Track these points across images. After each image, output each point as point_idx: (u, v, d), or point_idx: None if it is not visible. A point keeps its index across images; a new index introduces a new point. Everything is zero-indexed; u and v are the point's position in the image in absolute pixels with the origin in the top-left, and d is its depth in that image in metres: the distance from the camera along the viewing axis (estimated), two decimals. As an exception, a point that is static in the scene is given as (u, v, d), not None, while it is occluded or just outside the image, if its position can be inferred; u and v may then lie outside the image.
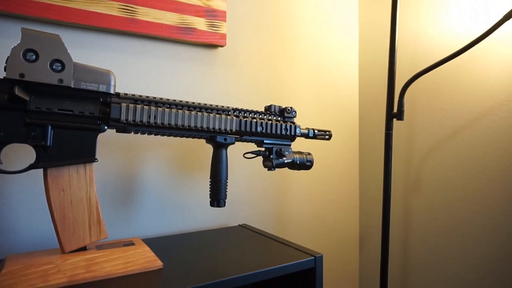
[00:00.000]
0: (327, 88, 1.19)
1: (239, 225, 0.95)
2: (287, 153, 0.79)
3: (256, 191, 1.03)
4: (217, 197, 0.70)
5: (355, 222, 1.24)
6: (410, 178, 1.06)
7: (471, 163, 0.90)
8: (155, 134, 0.65)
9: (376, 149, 1.19)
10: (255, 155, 0.78)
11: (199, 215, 0.92)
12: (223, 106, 0.70)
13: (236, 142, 0.74)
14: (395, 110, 0.95)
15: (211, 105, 0.69)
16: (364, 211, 1.23)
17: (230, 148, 0.92)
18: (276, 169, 0.81)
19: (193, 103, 0.67)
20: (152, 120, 0.61)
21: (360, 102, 1.26)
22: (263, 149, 0.80)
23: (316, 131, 0.85)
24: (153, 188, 0.86)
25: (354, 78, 1.26)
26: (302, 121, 1.10)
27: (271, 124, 0.76)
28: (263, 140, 0.77)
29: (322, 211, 1.17)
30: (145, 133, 0.64)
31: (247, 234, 0.85)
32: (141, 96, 0.62)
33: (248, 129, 0.72)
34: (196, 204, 0.92)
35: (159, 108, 0.62)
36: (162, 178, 0.87)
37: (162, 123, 0.62)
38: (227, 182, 0.72)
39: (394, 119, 0.99)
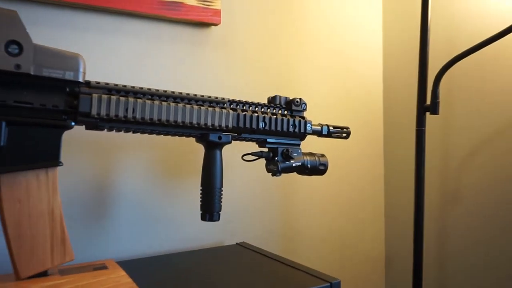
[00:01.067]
0: (345, 77, 1.19)
1: (236, 243, 0.95)
2: (295, 154, 0.79)
3: (257, 201, 1.03)
4: (210, 209, 0.70)
5: (380, 239, 1.24)
6: (448, 186, 1.05)
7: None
8: (134, 132, 0.65)
9: (405, 150, 1.19)
10: (256, 157, 0.78)
11: (188, 231, 0.92)
12: (217, 98, 0.70)
13: (233, 141, 0.74)
14: (428, 102, 0.95)
15: (202, 96, 0.69)
16: (391, 226, 1.22)
17: (225, 148, 0.92)
18: (282, 174, 0.81)
19: (180, 93, 0.67)
20: (130, 115, 0.61)
21: (385, 92, 1.25)
22: (266, 149, 0.79)
23: (331, 127, 0.85)
24: (132, 199, 0.86)
25: (377, 63, 1.26)
26: (314, 116, 1.10)
27: (276, 119, 0.76)
28: (266, 139, 0.77)
29: (339, 226, 1.17)
30: (121, 131, 0.64)
31: (247, 255, 0.85)
32: (116, 85, 0.62)
33: (247, 125, 0.72)
34: (184, 217, 0.92)
35: (138, 100, 0.62)
36: (142, 186, 0.87)
37: (143, 118, 0.62)
38: (222, 191, 0.72)
39: (427, 113, 0.98)
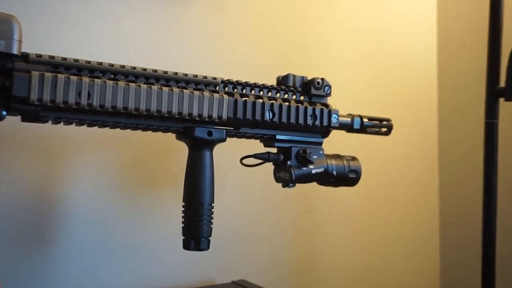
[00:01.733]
0: (384, 51, 1.19)
1: (233, 281, 0.95)
2: (315, 157, 0.79)
3: (262, 222, 1.03)
4: (196, 233, 0.70)
5: (434, 273, 1.23)
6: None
7: None
8: (90, 125, 0.64)
9: (469, 150, 1.19)
10: (260, 161, 0.78)
11: (167, 265, 0.92)
12: (206, 77, 0.71)
13: (228, 139, 0.73)
14: (501, 84, 0.94)
15: (186, 75, 0.69)
16: (448, 254, 1.22)
17: (218, 148, 0.91)
18: (298, 184, 0.81)
19: (155, 71, 0.67)
20: (84, 101, 0.60)
21: (440, 72, 1.25)
22: (274, 150, 0.79)
23: (365, 119, 0.85)
24: (88, 219, 0.86)
25: (430, 34, 1.26)
26: (342, 104, 1.09)
27: (288, 107, 0.76)
28: (274, 136, 0.77)
29: (378, 257, 1.16)
30: (72, 123, 0.63)
31: (247, 298, 0.85)
32: (65, 59, 0.61)
33: (248, 115, 0.73)
34: (161, 245, 0.92)
35: (96, 80, 0.61)
36: (103, 201, 0.87)
37: (102, 106, 0.62)
38: (212, 208, 0.71)
39: (501, 100, 0.98)
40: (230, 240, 0.99)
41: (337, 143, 1.07)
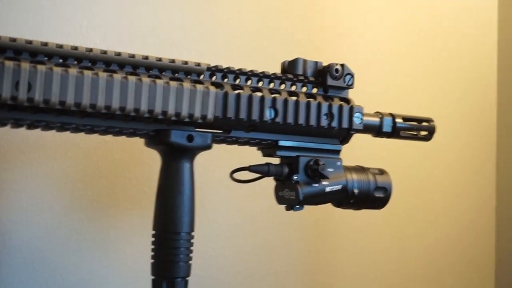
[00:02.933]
0: (433, 41, 1.20)
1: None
2: (331, 170, 0.79)
3: (260, 259, 1.03)
4: (169, 272, 0.70)
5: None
6: None
7: None
8: (30, 127, 0.65)
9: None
10: (258, 176, 0.79)
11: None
12: (186, 63, 0.71)
13: (215, 145, 0.74)
14: None
15: (160, 59, 0.69)
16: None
17: (201, 158, 0.92)
18: (307, 206, 0.81)
19: (118, 54, 0.67)
20: (23, 95, 0.61)
21: (501, 64, 1.27)
22: (277, 160, 0.80)
23: (398, 119, 0.86)
24: (25, 250, 0.86)
25: (489, 24, 1.30)
26: (370, 100, 1.10)
27: (296, 103, 0.77)
28: (276, 142, 0.78)
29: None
30: (6, 125, 0.63)
31: None
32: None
33: (243, 114, 0.73)
34: (116, 286, 0.92)
35: (39, 67, 0.62)
36: (44, 228, 0.87)
37: (47, 102, 0.62)
38: (192, 238, 0.71)
39: None
40: (218, 281, 1.00)
41: (359, 148, 1.09)
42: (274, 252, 1.06)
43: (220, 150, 0.90)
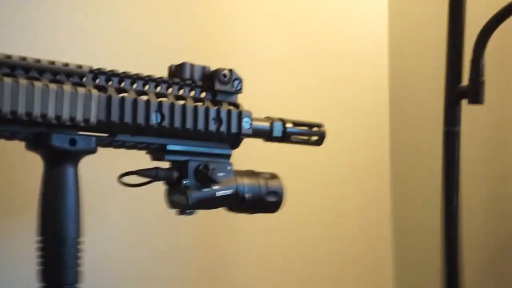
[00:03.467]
0: (323, 44, 1.22)
1: None
2: (221, 174, 0.80)
3: (155, 264, 1.02)
4: (57, 279, 0.69)
5: None
6: (505, 227, 1.10)
7: None
8: None
9: (425, 163, 1.24)
10: (148, 180, 0.79)
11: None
12: (67, 65, 0.70)
13: (100, 149, 0.73)
14: (464, 82, 0.99)
15: (38, 60, 0.68)
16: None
17: (86, 163, 0.91)
18: (199, 211, 0.82)
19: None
20: None
21: (392, 64, 1.31)
22: (165, 165, 0.80)
23: (289, 125, 0.87)
24: None
25: (379, 24, 1.34)
26: (261, 105, 1.11)
27: (183, 107, 0.77)
28: (164, 146, 0.78)
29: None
30: None
31: None
32: None
33: (127, 118, 0.73)
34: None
35: None
36: None
37: None
38: (80, 244, 0.70)
39: (463, 101, 1.02)
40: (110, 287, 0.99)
41: (259, 152, 1.10)
42: (170, 257, 1.05)
43: (114, 153, 0.90)
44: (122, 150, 0.81)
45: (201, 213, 0.90)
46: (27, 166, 0.91)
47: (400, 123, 1.32)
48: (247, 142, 0.87)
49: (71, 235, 0.70)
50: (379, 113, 1.33)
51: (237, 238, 1.14)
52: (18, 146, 0.77)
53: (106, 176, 0.98)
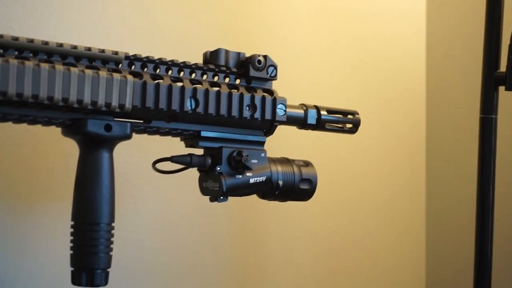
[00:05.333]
0: (361, 32, 1.23)
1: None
2: (255, 161, 0.81)
3: (187, 251, 1.03)
4: (89, 264, 0.70)
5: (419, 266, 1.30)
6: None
7: None
8: None
9: (461, 152, 1.24)
10: (181, 167, 0.79)
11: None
12: (103, 51, 0.71)
13: (136, 135, 0.74)
14: (502, 68, 0.98)
15: (75, 47, 0.69)
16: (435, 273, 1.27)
17: (120, 148, 0.91)
18: (232, 198, 0.82)
19: (31, 41, 0.66)
20: None
21: (429, 50, 1.31)
22: (200, 151, 0.80)
23: (323, 112, 0.88)
24: None
25: (417, 11, 1.33)
26: (296, 93, 1.07)
27: (218, 93, 0.78)
28: (198, 132, 0.79)
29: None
30: None
31: None
32: None
33: (162, 104, 0.73)
34: (45, 282, 0.92)
35: None
36: None
37: None
38: (112, 230, 0.71)
39: (501, 88, 1.01)
40: (142, 273, 1.00)
41: (285, 140, 1.10)
42: (202, 244, 1.06)
43: (141, 140, 0.91)
44: (157, 137, 0.82)
45: (232, 201, 0.91)
46: (64, 153, 0.93)
47: (437, 111, 1.31)
48: (281, 130, 0.87)
49: (105, 220, 0.71)
50: (415, 101, 1.33)
51: (268, 227, 1.15)
52: (55, 132, 0.78)
53: (140, 162, 0.99)
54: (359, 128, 0.91)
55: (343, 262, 1.24)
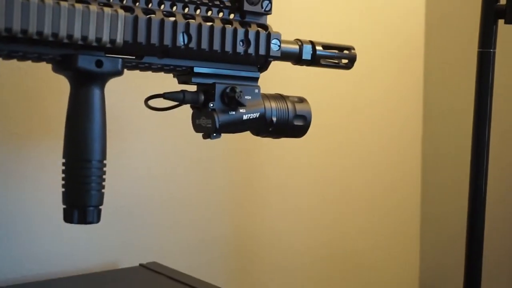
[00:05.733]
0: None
1: (140, 265, 0.97)
2: (248, 97, 0.81)
3: (180, 187, 1.04)
4: (80, 201, 0.70)
5: (413, 260, 1.31)
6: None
7: None
8: None
9: (459, 89, 1.24)
10: (174, 104, 0.80)
11: (51, 245, 0.93)
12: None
13: (127, 71, 0.73)
14: (502, 1, 0.97)
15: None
16: (430, 239, 1.30)
17: (111, 85, 0.91)
18: (225, 135, 0.82)
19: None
20: None
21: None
22: (193, 87, 0.80)
23: (319, 47, 0.87)
24: None
25: None
26: (291, 28, 1.07)
27: (211, 28, 0.77)
28: (191, 68, 0.78)
29: (345, 237, 1.20)
30: None
31: (158, 284, 0.87)
32: None
33: (154, 39, 0.73)
34: (41, 218, 0.93)
35: None
36: None
37: None
38: (104, 167, 0.71)
39: (500, 22, 1.00)
40: (136, 210, 1.01)
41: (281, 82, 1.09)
42: (194, 179, 1.07)
43: (133, 77, 0.90)
44: (149, 73, 0.81)
45: (230, 138, 0.91)
46: (56, 90, 0.93)
47: (435, 43, 1.30)
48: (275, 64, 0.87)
49: (96, 157, 0.71)
50: (414, 35, 1.32)
51: (268, 164, 1.15)
52: (46, 68, 0.77)
53: (132, 99, 0.99)
54: (356, 61, 0.90)
55: (342, 205, 1.24)
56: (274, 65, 0.85)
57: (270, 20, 0.83)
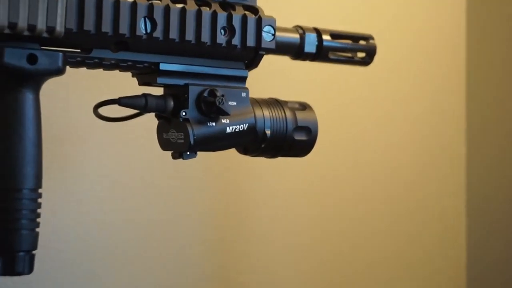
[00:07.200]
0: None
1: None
2: (233, 103, 0.79)
3: (146, 224, 1.06)
4: (7, 244, 0.70)
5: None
6: None
7: None
8: None
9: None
10: (133, 113, 0.81)
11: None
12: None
13: (68, 69, 0.71)
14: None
15: None
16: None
17: (48, 88, 0.91)
18: (202, 153, 0.81)
19: None
20: None
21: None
22: (158, 91, 0.79)
23: (326, 37, 0.86)
24: None
25: None
26: (289, 11, 1.08)
27: (182, 11, 0.76)
28: (156, 64, 0.77)
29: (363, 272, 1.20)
30: None
31: None
32: None
33: (106, 27, 0.71)
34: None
35: None
36: None
37: None
38: (40, 197, 0.71)
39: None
40: (82, 256, 1.00)
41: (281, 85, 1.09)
42: (166, 213, 1.10)
43: (79, 77, 0.89)
44: (100, 72, 0.80)
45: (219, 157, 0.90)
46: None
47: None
48: (268, 60, 0.85)
49: (28, 185, 0.69)
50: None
51: (256, 190, 1.17)
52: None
53: (76, 106, 0.98)
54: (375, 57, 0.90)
55: (356, 236, 1.27)
56: (267, 60, 0.84)
57: (261, 1, 0.81)
